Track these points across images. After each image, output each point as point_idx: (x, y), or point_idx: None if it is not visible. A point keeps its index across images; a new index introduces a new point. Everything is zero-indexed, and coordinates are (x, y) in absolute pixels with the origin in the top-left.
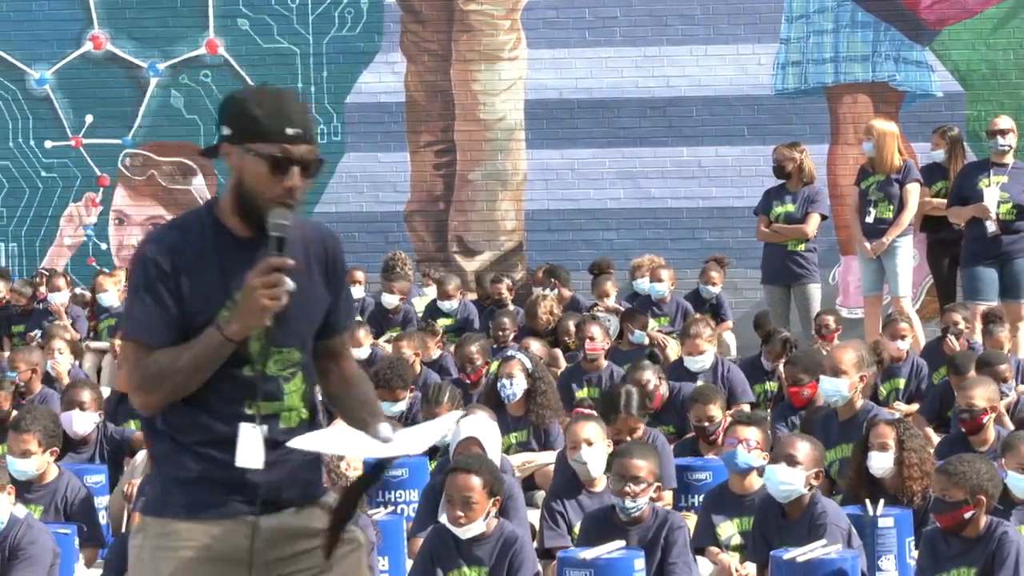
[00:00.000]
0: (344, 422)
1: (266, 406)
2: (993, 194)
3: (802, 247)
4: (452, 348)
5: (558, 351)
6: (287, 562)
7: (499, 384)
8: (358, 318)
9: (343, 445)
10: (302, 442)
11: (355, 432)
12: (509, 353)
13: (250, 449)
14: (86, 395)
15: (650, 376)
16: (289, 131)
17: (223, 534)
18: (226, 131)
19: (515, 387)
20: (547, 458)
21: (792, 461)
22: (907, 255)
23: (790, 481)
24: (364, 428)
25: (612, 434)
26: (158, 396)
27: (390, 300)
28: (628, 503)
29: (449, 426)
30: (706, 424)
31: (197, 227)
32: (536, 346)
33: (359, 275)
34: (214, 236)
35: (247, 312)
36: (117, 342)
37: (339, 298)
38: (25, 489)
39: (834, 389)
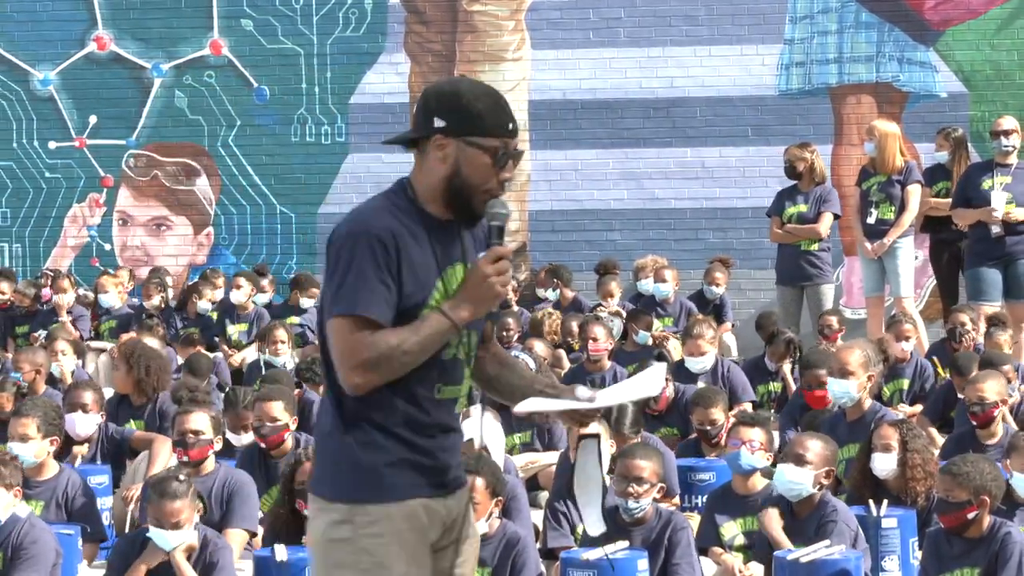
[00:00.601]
0: (505, 400)
1: (450, 390)
2: (1000, 196)
3: (815, 247)
4: None
5: (562, 352)
6: (454, 546)
7: None
8: None
9: (557, 405)
10: (529, 405)
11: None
12: (513, 354)
13: (440, 434)
14: (88, 397)
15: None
16: (510, 126)
17: (427, 515)
18: (440, 123)
19: None
20: (550, 458)
21: (801, 461)
22: (908, 256)
23: (799, 480)
24: (556, 396)
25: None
26: (378, 376)
27: None
28: (631, 504)
29: (653, 381)
30: (708, 427)
31: (405, 211)
32: (540, 347)
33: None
34: (420, 220)
35: (478, 299)
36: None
37: None
38: (25, 485)
39: (842, 390)
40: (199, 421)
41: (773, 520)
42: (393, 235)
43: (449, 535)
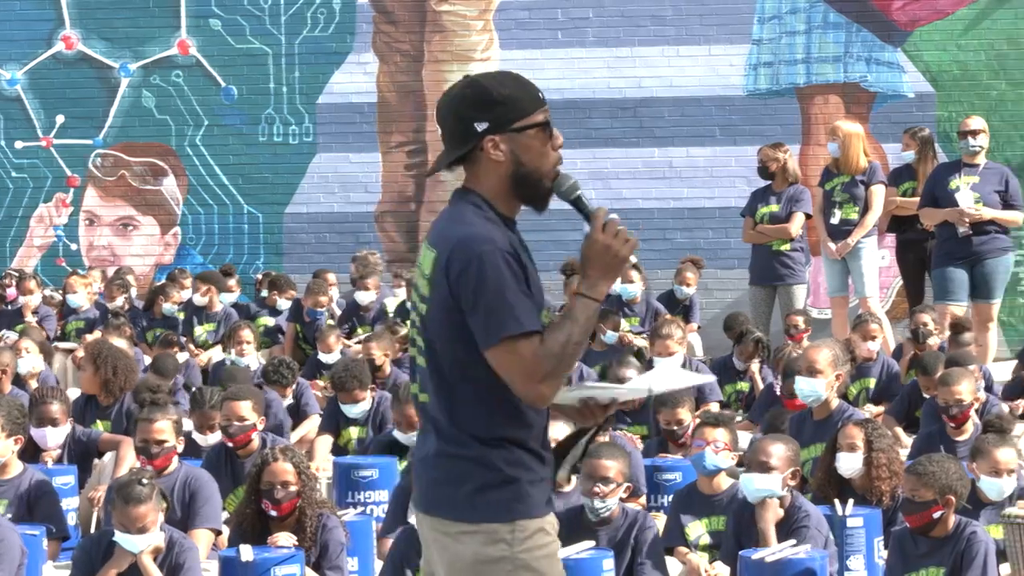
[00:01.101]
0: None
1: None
2: (967, 196)
3: (787, 247)
4: None
5: None
6: None
7: None
8: (329, 322)
9: (608, 391)
10: (580, 391)
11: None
12: None
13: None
14: (56, 409)
15: (632, 374)
16: (540, 95)
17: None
18: (481, 127)
19: None
20: None
21: (765, 468)
22: (872, 256)
23: (767, 487)
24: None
25: None
26: (560, 380)
27: (364, 297)
28: (597, 503)
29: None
30: (675, 428)
31: (495, 222)
32: None
33: (330, 277)
34: (506, 226)
35: (608, 268)
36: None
37: None
38: None
39: (810, 388)
40: (161, 429)
41: (770, 513)
42: (512, 246)
43: None
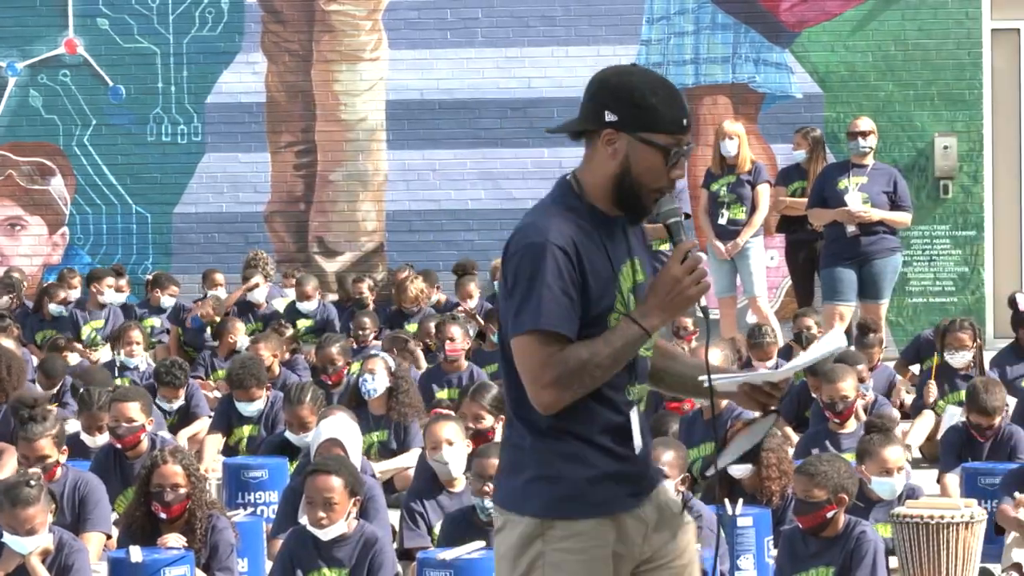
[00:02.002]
0: (676, 392)
1: (639, 389)
2: (855, 197)
3: (665, 247)
4: (312, 349)
5: (419, 351)
6: (657, 554)
7: (361, 379)
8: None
9: (751, 377)
10: (723, 383)
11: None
12: (372, 351)
13: (637, 436)
14: None
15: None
16: (684, 122)
17: (627, 530)
18: (611, 117)
19: (377, 383)
20: (407, 461)
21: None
22: (759, 256)
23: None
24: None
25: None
26: (570, 394)
27: (257, 294)
28: (487, 503)
29: (835, 342)
30: (838, 402)
31: (578, 211)
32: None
33: (219, 277)
34: (590, 218)
35: (671, 304)
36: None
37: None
38: None
39: None
40: (42, 447)
41: None
42: (574, 243)
43: (656, 539)
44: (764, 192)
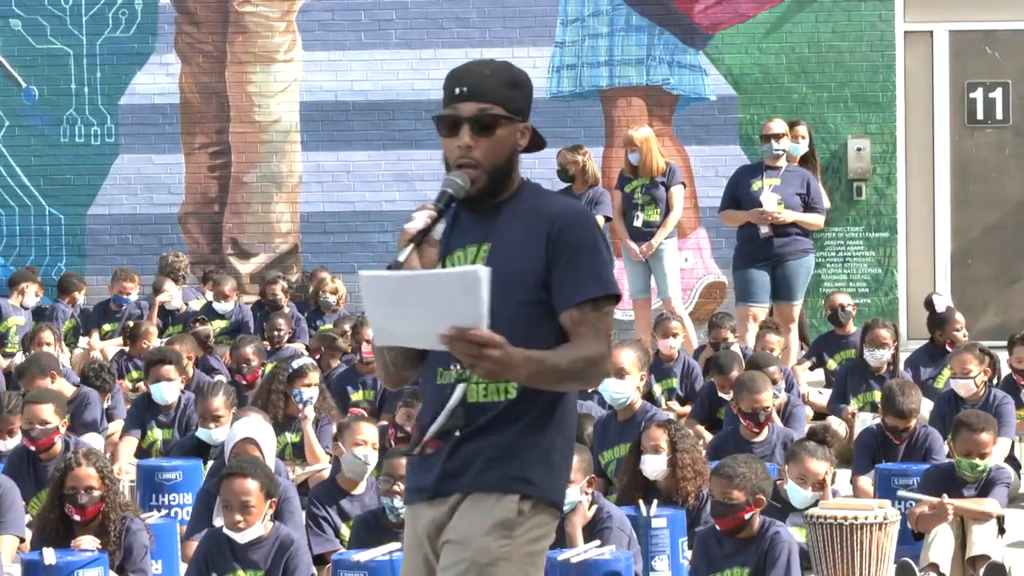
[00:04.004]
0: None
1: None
2: (770, 198)
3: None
4: (228, 351)
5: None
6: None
7: (294, 392)
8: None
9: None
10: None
11: None
12: (305, 362)
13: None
14: None
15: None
16: (456, 91)
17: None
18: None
19: (311, 393)
20: (323, 465)
21: None
22: (673, 257)
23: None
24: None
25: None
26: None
27: (173, 302)
28: (397, 503)
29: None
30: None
31: None
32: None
33: (128, 285)
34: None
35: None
36: None
37: (563, 275)
38: None
39: (620, 390)
40: None
41: (578, 518)
42: None
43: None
44: (678, 194)
